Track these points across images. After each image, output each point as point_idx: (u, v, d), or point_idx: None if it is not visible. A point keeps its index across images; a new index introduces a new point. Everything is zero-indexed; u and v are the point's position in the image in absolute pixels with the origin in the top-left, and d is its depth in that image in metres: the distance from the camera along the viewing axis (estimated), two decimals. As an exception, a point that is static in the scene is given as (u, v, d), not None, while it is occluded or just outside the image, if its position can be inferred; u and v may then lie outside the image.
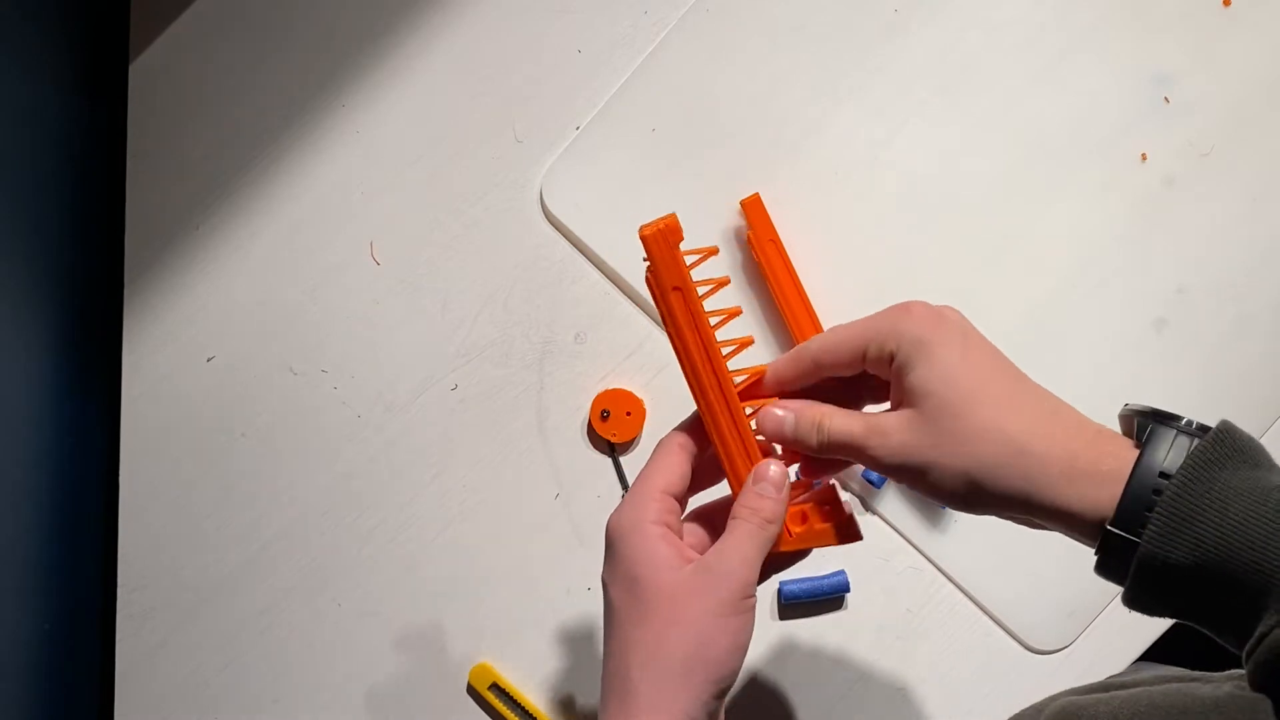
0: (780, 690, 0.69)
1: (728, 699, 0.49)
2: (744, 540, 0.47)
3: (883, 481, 0.68)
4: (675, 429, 0.51)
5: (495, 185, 0.73)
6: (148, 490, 0.72)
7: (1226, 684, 0.43)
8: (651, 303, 0.52)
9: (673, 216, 0.49)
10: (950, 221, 0.71)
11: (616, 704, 0.46)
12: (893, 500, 0.69)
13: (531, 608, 0.70)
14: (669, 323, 0.49)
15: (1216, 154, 0.70)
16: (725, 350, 0.50)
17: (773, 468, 0.49)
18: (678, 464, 0.50)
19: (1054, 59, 0.71)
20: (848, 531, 0.50)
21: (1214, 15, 0.71)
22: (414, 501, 0.71)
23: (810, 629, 0.69)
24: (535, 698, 0.70)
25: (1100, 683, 0.52)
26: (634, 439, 0.70)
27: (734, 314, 0.51)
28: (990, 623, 0.68)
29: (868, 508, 0.69)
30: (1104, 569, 0.42)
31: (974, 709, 0.68)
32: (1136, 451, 0.41)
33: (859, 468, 0.68)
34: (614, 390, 0.70)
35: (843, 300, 0.70)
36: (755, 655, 0.69)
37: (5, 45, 0.67)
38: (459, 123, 0.74)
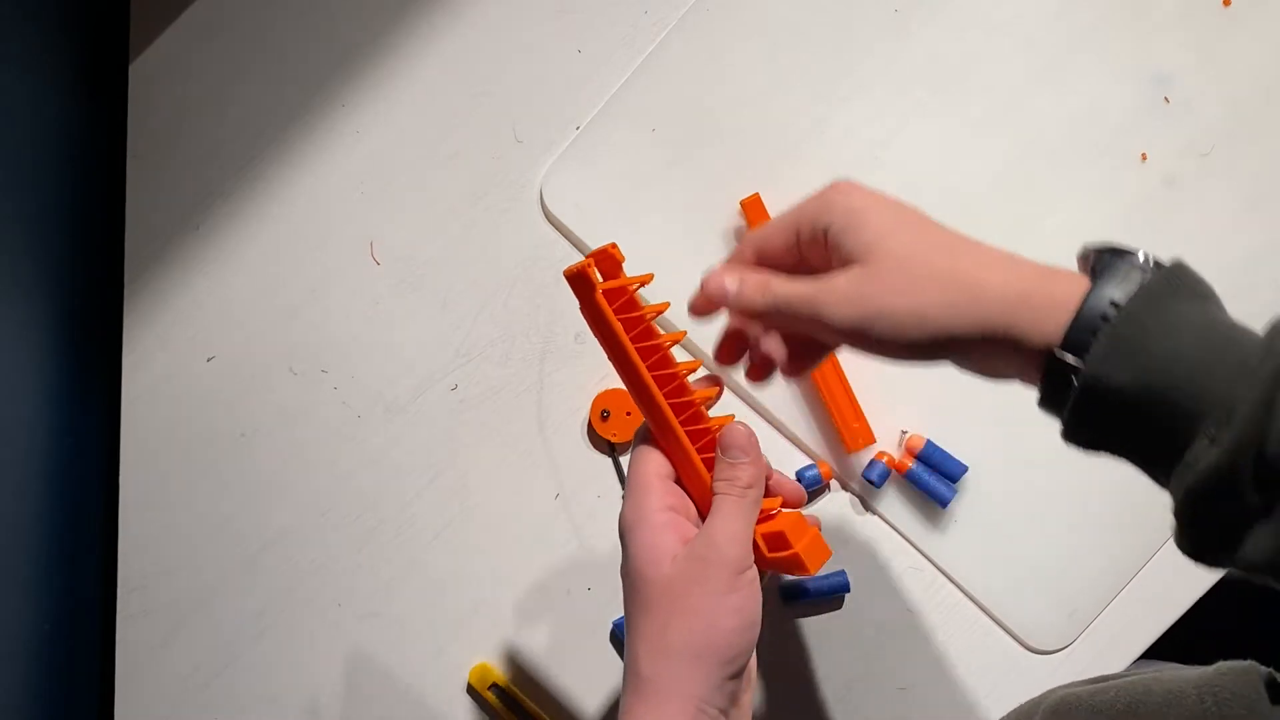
0: (780, 690, 0.69)
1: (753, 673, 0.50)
2: (728, 517, 0.48)
3: (883, 481, 0.68)
4: (639, 434, 0.53)
5: (495, 185, 0.73)
6: (148, 490, 0.72)
7: (1212, 670, 0.43)
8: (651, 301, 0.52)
9: (599, 251, 0.49)
10: (950, 221, 0.71)
11: (632, 695, 0.47)
12: (893, 500, 0.69)
13: (531, 608, 0.70)
14: (609, 355, 0.50)
15: (1216, 154, 0.70)
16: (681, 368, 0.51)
17: (739, 429, 0.50)
18: (660, 453, 0.51)
19: (1054, 59, 0.71)
20: (792, 565, 0.50)
21: (1214, 15, 0.71)
22: (414, 501, 0.71)
23: (810, 629, 0.69)
24: (535, 698, 0.70)
25: (1097, 677, 0.52)
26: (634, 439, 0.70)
27: (676, 339, 0.52)
28: (990, 623, 0.68)
29: (868, 508, 0.69)
30: (1047, 400, 0.42)
31: (974, 709, 0.68)
32: (1088, 283, 0.42)
33: (858, 468, 0.68)
34: (614, 390, 0.70)
35: (843, 300, 0.70)
36: (756, 655, 0.69)
37: (5, 45, 0.67)
38: (459, 123, 0.74)
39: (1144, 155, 0.71)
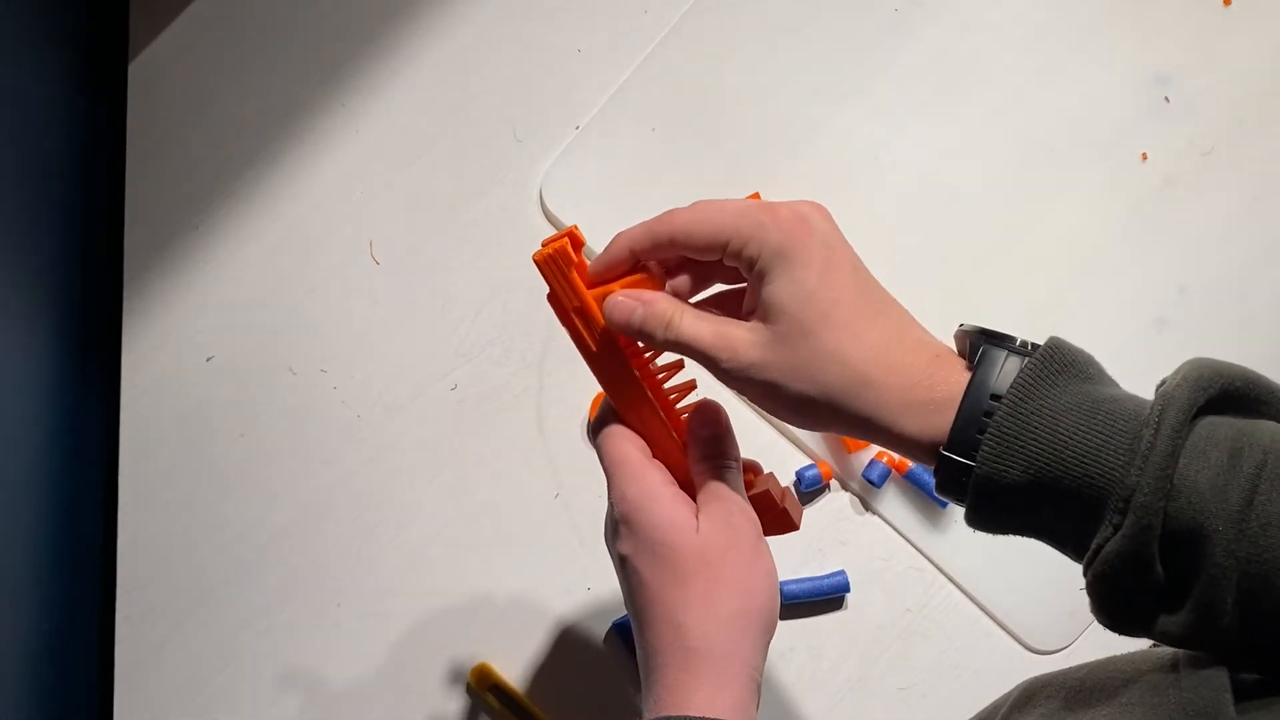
0: (780, 690, 0.69)
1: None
2: (734, 487, 0.48)
3: (883, 481, 0.68)
4: (602, 416, 0.51)
5: (495, 185, 0.73)
6: (148, 490, 0.72)
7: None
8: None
9: (569, 232, 0.49)
10: (950, 221, 0.71)
11: (678, 669, 0.46)
12: (893, 500, 0.69)
13: (531, 608, 0.70)
14: (576, 342, 0.49)
15: (1217, 154, 0.70)
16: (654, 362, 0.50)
17: (715, 404, 0.50)
18: (633, 433, 0.50)
19: (1054, 59, 0.71)
20: (782, 523, 0.51)
21: (1214, 15, 0.71)
22: (414, 501, 0.71)
23: (810, 629, 0.69)
24: (535, 698, 0.69)
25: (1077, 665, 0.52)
26: (634, 439, 0.70)
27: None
28: (990, 623, 0.68)
29: (868, 507, 0.69)
30: (944, 490, 0.42)
31: (974, 709, 0.68)
32: (968, 375, 0.42)
33: (858, 468, 0.68)
34: (614, 390, 0.70)
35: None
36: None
37: (5, 45, 0.67)
38: (459, 123, 0.74)
39: (1144, 155, 0.71)
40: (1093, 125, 0.71)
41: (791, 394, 0.43)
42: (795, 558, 0.69)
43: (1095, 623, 0.69)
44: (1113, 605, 0.40)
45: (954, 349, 0.45)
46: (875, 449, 0.69)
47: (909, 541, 0.69)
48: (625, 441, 0.49)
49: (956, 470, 0.41)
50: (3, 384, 0.66)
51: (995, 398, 0.40)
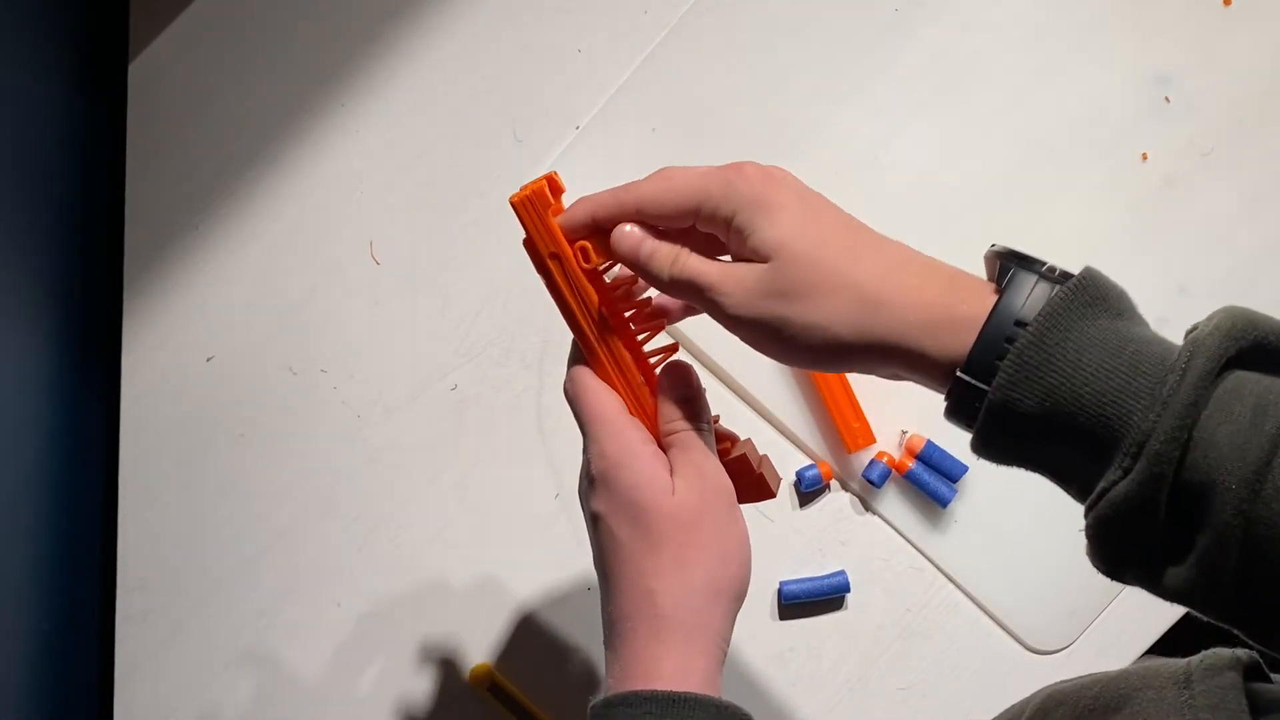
0: (780, 690, 0.69)
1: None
2: (707, 449, 0.47)
3: (883, 481, 0.68)
4: (577, 369, 0.50)
5: (495, 185, 0.73)
6: (148, 490, 0.72)
7: (1196, 660, 0.43)
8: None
9: (547, 177, 0.48)
10: (951, 221, 0.71)
11: (646, 636, 0.45)
12: (893, 500, 0.69)
13: (531, 608, 0.70)
14: (551, 289, 0.48)
15: (1217, 154, 0.70)
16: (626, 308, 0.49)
17: (685, 365, 0.49)
18: (614, 391, 0.49)
19: (1054, 59, 0.71)
20: (759, 489, 0.50)
21: (1214, 15, 0.71)
22: (414, 501, 0.71)
23: (810, 629, 0.69)
24: (535, 698, 0.69)
25: (1090, 674, 0.52)
26: (634, 439, 0.70)
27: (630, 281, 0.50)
28: (990, 623, 0.68)
29: (868, 508, 0.69)
30: (954, 414, 0.41)
31: (974, 709, 0.68)
32: (994, 297, 0.40)
33: (858, 468, 0.68)
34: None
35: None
36: (755, 655, 0.69)
37: (5, 45, 0.67)
38: (459, 123, 0.74)
39: (1144, 155, 0.71)
40: (1093, 125, 0.71)
41: (802, 327, 0.42)
42: (795, 558, 0.69)
43: (1095, 623, 0.70)
44: (1110, 550, 0.39)
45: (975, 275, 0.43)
46: (876, 448, 0.69)
47: (909, 541, 0.69)
48: (605, 396, 0.48)
49: (970, 395, 0.39)
50: (3, 384, 0.66)
51: (1020, 324, 0.38)
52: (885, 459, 0.68)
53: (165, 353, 0.73)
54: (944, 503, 0.68)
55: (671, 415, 0.48)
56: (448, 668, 0.70)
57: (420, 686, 0.70)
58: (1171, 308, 0.69)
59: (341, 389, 0.72)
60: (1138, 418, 0.36)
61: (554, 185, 0.48)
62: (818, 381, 0.68)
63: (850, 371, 0.44)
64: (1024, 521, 0.68)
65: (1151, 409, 0.36)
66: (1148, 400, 0.37)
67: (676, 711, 0.43)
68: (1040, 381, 0.38)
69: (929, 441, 0.68)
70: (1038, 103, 0.71)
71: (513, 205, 0.47)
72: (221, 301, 0.74)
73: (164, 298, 0.74)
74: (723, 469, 0.48)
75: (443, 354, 0.72)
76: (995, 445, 0.40)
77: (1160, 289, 0.70)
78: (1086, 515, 0.39)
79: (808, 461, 0.70)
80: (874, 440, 0.68)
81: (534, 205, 0.47)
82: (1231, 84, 0.71)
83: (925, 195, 0.71)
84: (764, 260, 0.42)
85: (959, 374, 0.39)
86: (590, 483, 0.48)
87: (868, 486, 0.69)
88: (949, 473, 0.68)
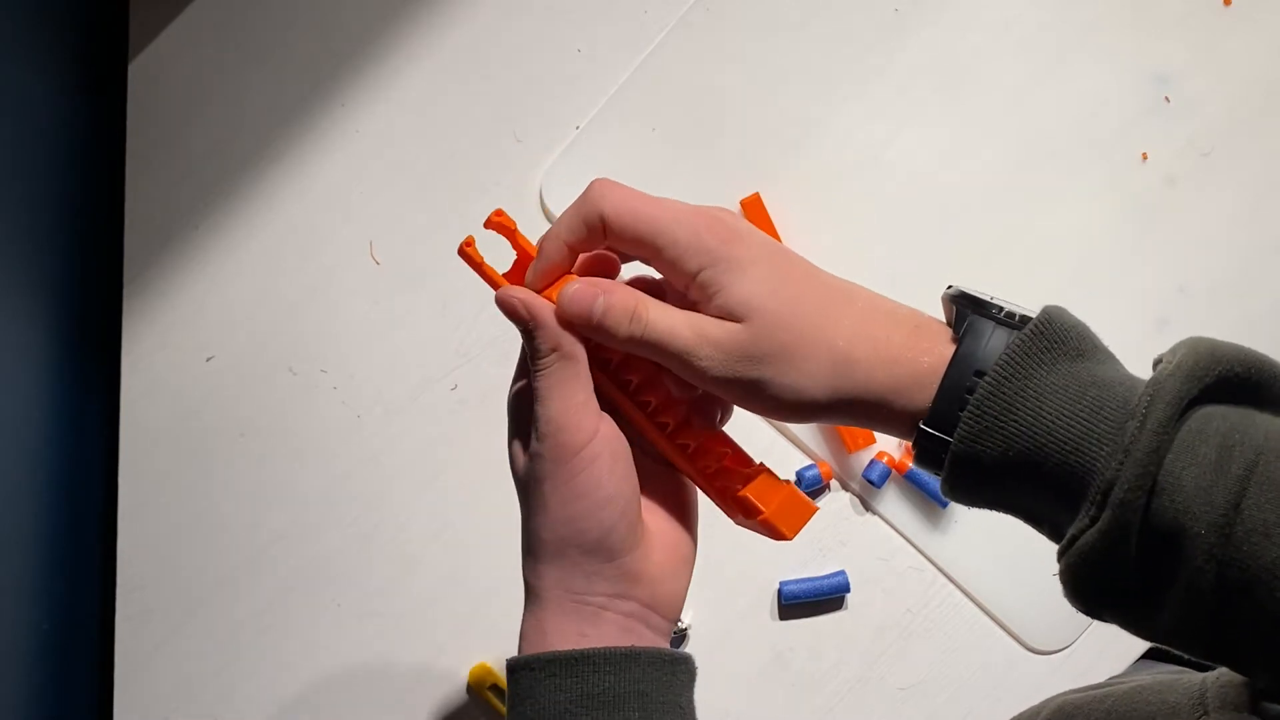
0: (780, 690, 0.69)
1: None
2: (546, 398, 0.43)
3: (883, 481, 0.68)
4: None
5: (495, 185, 0.73)
6: (148, 490, 0.72)
7: (1212, 677, 0.42)
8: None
9: (496, 220, 0.48)
10: (950, 222, 0.71)
11: (525, 605, 0.47)
12: (893, 500, 0.69)
13: (531, 608, 0.70)
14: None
15: (1217, 154, 0.70)
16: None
17: (516, 295, 0.46)
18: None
19: (1054, 59, 0.71)
20: (785, 519, 0.46)
21: (1215, 15, 0.71)
22: (414, 501, 0.71)
23: (810, 629, 0.69)
24: (535, 698, 0.69)
25: (1100, 683, 0.52)
26: (634, 439, 0.70)
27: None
28: (990, 623, 0.68)
29: (868, 508, 0.69)
30: (922, 463, 0.41)
31: (974, 709, 0.68)
32: (953, 346, 0.40)
33: (858, 468, 0.68)
34: (614, 390, 0.70)
35: (843, 300, 0.70)
36: (755, 655, 0.69)
37: (5, 45, 0.67)
38: (459, 123, 0.74)
39: (1144, 155, 0.71)
40: (1093, 125, 0.71)
41: (780, 387, 0.41)
42: (795, 558, 0.69)
43: (1095, 623, 0.69)
44: (1085, 594, 0.39)
45: (937, 317, 0.43)
46: (876, 448, 0.69)
47: (909, 541, 0.69)
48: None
49: (935, 445, 0.40)
50: (3, 384, 0.66)
51: (979, 374, 0.39)
52: (885, 459, 0.68)
53: (165, 353, 0.73)
54: (944, 503, 0.68)
55: (532, 359, 0.44)
56: (448, 668, 0.70)
57: (420, 687, 0.70)
58: (1171, 308, 0.69)
59: (341, 389, 0.72)
60: (1100, 465, 0.36)
61: (503, 227, 0.47)
62: (818, 381, 0.68)
63: (821, 423, 0.44)
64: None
65: (1114, 456, 0.36)
66: (1110, 447, 0.36)
67: (520, 673, 0.45)
68: (1000, 431, 0.38)
69: (929, 441, 0.68)
70: (1038, 103, 0.71)
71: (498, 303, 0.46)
72: (221, 301, 0.73)
73: (164, 298, 0.74)
74: (569, 414, 0.43)
75: (443, 354, 0.72)
76: (965, 490, 0.41)
77: (1160, 289, 0.70)
78: (1059, 560, 0.38)
79: (808, 461, 0.70)
80: (874, 440, 0.68)
81: (473, 259, 0.47)
82: (1231, 84, 0.71)
83: (925, 195, 0.71)
84: (742, 317, 0.41)
85: (922, 426, 0.40)
86: None
87: (868, 486, 0.69)
88: (949, 473, 0.67)
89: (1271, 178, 0.70)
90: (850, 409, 0.42)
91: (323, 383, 0.72)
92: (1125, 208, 0.71)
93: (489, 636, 0.70)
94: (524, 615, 0.46)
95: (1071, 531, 0.37)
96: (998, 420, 0.38)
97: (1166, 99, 0.71)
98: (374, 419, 0.72)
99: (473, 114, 0.74)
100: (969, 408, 0.38)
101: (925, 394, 0.40)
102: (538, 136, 0.73)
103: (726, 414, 0.48)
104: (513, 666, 0.45)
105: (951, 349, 0.40)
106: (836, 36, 0.72)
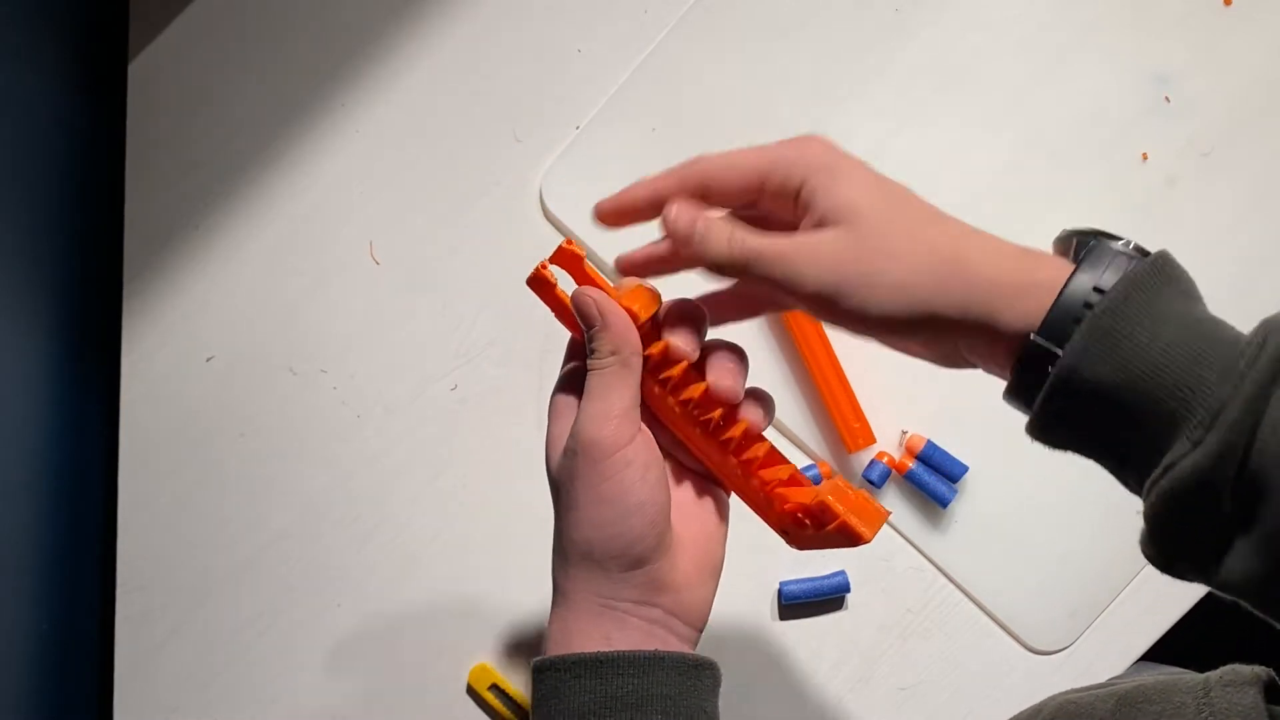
0: (780, 690, 0.69)
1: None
2: (591, 396, 0.45)
3: (883, 481, 0.68)
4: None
5: (495, 185, 0.73)
6: (147, 490, 0.72)
7: (1215, 677, 0.42)
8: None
9: (564, 249, 0.48)
10: (950, 221, 0.71)
11: (552, 605, 0.47)
12: (893, 500, 0.69)
13: (531, 608, 0.70)
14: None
15: (1217, 154, 0.70)
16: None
17: (587, 293, 0.46)
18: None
19: (1054, 59, 0.71)
20: (865, 519, 0.45)
21: (1215, 15, 0.71)
22: (414, 501, 0.71)
23: (810, 629, 0.69)
24: (535, 698, 0.69)
25: (1101, 683, 0.52)
26: (634, 439, 0.70)
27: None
28: (991, 623, 0.68)
29: (868, 508, 0.69)
30: (1017, 389, 0.40)
31: (974, 709, 0.68)
32: (1071, 267, 0.39)
33: (858, 468, 0.68)
34: (614, 390, 0.70)
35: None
36: (756, 655, 0.69)
37: (5, 45, 0.67)
38: (459, 123, 0.74)
39: (1145, 155, 0.71)
40: (1093, 125, 0.71)
41: (881, 288, 0.40)
42: (795, 558, 0.69)
43: (1095, 623, 0.69)
44: (1168, 534, 0.37)
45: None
46: (876, 448, 0.69)
47: (909, 541, 0.69)
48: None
49: (1038, 363, 0.38)
50: (3, 384, 0.66)
51: (1098, 292, 0.38)
52: (885, 459, 0.68)
53: (165, 353, 0.73)
54: (944, 503, 0.68)
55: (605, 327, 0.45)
56: (448, 668, 0.70)
57: (420, 687, 0.70)
58: (1171, 308, 0.69)
59: (341, 389, 0.72)
60: (1211, 388, 0.36)
61: (570, 256, 0.48)
62: (818, 381, 0.68)
63: (914, 346, 0.42)
64: (1024, 522, 0.68)
65: (1227, 380, 0.35)
66: (1222, 373, 0.36)
67: (545, 673, 0.45)
68: (1115, 348, 0.37)
69: (929, 442, 0.68)
70: (1038, 103, 0.71)
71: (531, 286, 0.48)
72: (221, 301, 0.73)
73: (164, 298, 0.74)
74: (610, 416, 0.44)
75: (443, 354, 0.72)
76: (1055, 418, 0.39)
77: (1160, 289, 0.70)
78: (1147, 496, 0.38)
79: (808, 461, 0.70)
80: (874, 440, 0.68)
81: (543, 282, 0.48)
82: (1231, 84, 0.71)
83: (925, 195, 0.71)
84: (842, 220, 0.41)
85: (1033, 336, 0.38)
86: None
87: (868, 486, 0.69)
88: (949, 473, 0.68)
89: (1271, 178, 0.70)
90: (950, 320, 0.40)
91: (323, 383, 0.72)
92: (1125, 208, 0.71)
93: (489, 637, 0.70)
94: (551, 616, 0.47)
95: (1168, 459, 0.36)
96: (1113, 337, 0.37)
97: (1166, 99, 0.71)
98: (374, 419, 0.72)
99: (473, 114, 0.74)
100: (1086, 320, 0.37)
101: (1037, 305, 0.39)
102: (538, 136, 0.73)
103: (769, 412, 0.47)
104: (538, 667, 0.46)
105: (1069, 269, 0.39)
106: (836, 36, 0.72)
